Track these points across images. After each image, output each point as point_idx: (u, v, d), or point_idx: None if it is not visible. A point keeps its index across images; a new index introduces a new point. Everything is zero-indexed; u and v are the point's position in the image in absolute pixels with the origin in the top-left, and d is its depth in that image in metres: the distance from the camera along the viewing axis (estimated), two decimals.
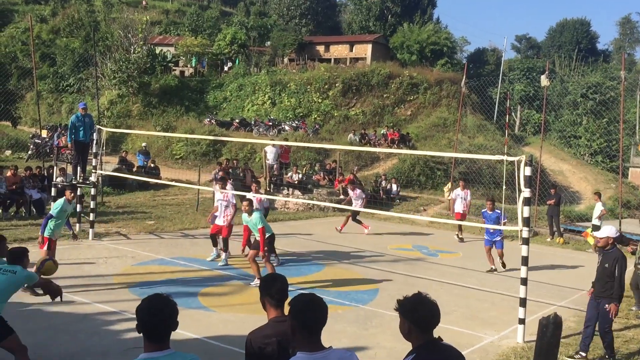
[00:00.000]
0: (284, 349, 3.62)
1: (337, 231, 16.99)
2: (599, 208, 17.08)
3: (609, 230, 7.78)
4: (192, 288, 9.91)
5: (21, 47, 45.23)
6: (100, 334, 7.58)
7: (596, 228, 16.77)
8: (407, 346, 3.39)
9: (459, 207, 17.03)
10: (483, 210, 13.67)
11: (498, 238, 12.96)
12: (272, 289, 3.82)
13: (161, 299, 3.20)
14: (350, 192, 17.69)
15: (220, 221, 12.31)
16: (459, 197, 17.05)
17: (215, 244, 12.44)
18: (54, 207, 10.08)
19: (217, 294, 9.69)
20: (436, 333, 3.33)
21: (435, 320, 3.30)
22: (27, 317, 7.80)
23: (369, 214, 19.20)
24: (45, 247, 9.60)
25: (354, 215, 17.13)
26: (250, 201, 10.92)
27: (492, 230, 12.77)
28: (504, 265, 13.01)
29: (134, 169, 23.18)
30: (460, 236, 17.24)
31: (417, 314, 3.26)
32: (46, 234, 9.68)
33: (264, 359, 3.64)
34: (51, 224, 9.73)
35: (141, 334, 3.15)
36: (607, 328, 7.77)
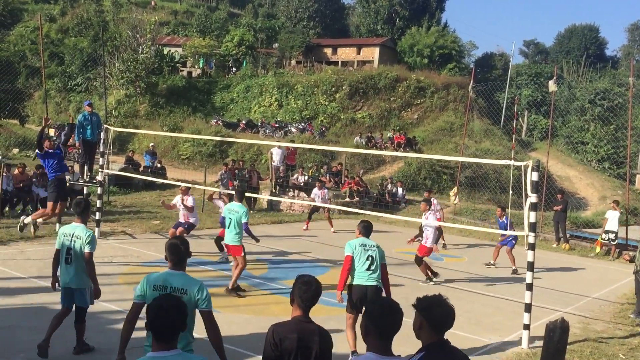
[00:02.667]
0: (301, 347, 3.72)
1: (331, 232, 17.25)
2: (615, 216, 16.81)
3: None
4: None
5: (30, 46, 45.53)
6: (106, 333, 7.59)
7: (615, 234, 16.70)
8: (414, 350, 3.39)
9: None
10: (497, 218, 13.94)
11: (513, 242, 13.33)
12: (307, 294, 3.89)
13: (171, 300, 3.28)
14: (317, 191, 18.09)
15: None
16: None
17: (221, 249, 12.43)
18: None
19: (222, 295, 9.68)
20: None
21: (448, 324, 3.34)
22: (33, 316, 7.83)
23: (375, 217, 19.18)
24: None
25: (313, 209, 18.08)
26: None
27: (501, 238, 12.87)
28: (515, 272, 13.03)
29: (141, 169, 23.24)
30: (442, 241, 16.36)
31: (432, 312, 3.31)
32: None
33: (281, 351, 3.73)
34: None
35: (149, 332, 3.23)
36: None
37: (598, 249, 17.25)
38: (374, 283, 6.97)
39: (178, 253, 4.68)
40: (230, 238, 9.77)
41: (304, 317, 3.87)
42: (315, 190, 18.27)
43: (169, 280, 4.60)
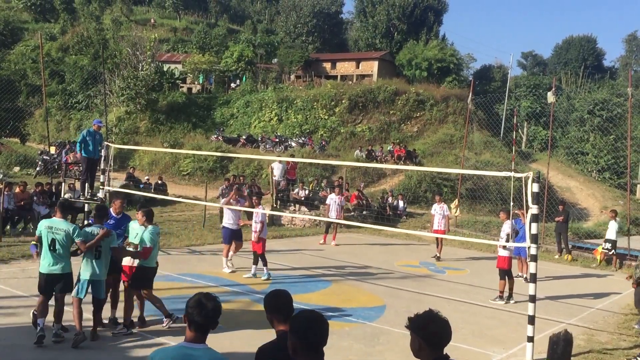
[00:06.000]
0: None
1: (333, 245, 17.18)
2: (613, 226, 16.85)
3: None
4: None
5: (31, 65, 45.75)
6: (108, 350, 7.57)
7: (612, 243, 16.71)
8: None
9: (436, 224, 16.07)
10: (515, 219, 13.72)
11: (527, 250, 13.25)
12: (278, 304, 3.81)
13: (209, 298, 3.60)
14: (334, 196, 17.95)
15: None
16: (437, 213, 16.05)
17: (256, 262, 12.45)
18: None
19: (224, 310, 9.64)
20: (445, 351, 3.31)
21: (447, 338, 3.27)
22: (34, 334, 7.79)
23: (377, 231, 19.17)
24: None
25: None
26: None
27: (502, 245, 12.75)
28: (526, 280, 12.96)
29: (141, 185, 23.26)
30: (438, 255, 16.22)
31: (428, 331, 3.23)
32: None
33: None
34: None
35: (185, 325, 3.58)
36: None
37: (598, 258, 17.23)
38: None
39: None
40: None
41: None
42: (333, 196, 17.96)
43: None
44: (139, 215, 8.54)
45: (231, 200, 12.84)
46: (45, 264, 7.55)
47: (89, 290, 7.70)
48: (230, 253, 12.90)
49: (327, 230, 18.06)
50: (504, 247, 11.64)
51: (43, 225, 7.67)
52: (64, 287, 7.65)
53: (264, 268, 12.25)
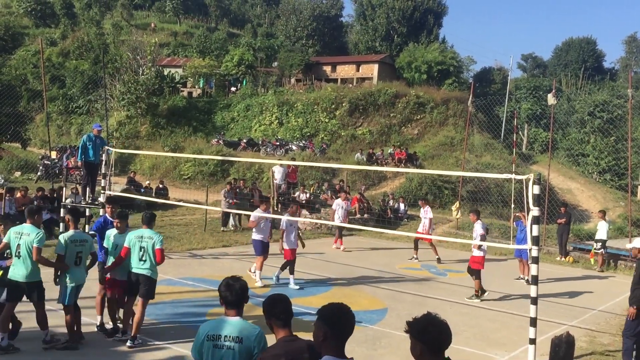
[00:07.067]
0: None
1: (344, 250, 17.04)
2: (603, 226, 16.93)
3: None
4: (199, 309, 9.88)
5: (31, 70, 45.84)
6: (109, 355, 7.56)
7: (602, 242, 16.72)
8: None
9: (420, 227, 16.50)
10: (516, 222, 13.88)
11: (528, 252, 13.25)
12: (277, 309, 3.85)
13: (235, 279, 4.34)
14: (341, 202, 17.90)
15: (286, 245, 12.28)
16: (422, 216, 16.47)
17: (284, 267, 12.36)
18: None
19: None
20: (446, 354, 3.30)
21: (447, 341, 3.25)
22: (35, 339, 7.79)
23: (378, 233, 19.16)
24: None
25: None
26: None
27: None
28: (528, 282, 12.97)
29: (142, 190, 23.27)
30: (415, 256, 16.42)
31: (429, 335, 3.20)
32: None
33: None
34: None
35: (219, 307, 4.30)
36: (627, 333, 7.79)
37: (592, 261, 17.24)
38: None
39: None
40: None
41: (288, 335, 3.80)
42: (339, 201, 18.00)
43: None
44: (115, 222, 8.36)
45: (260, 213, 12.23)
46: (13, 270, 7.46)
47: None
48: (255, 265, 12.45)
49: (341, 235, 17.97)
50: (479, 248, 11.81)
51: (12, 231, 7.59)
52: (37, 294, 7.57)
53: (290, 276, 12.18)
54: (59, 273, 7.76)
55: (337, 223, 17.01)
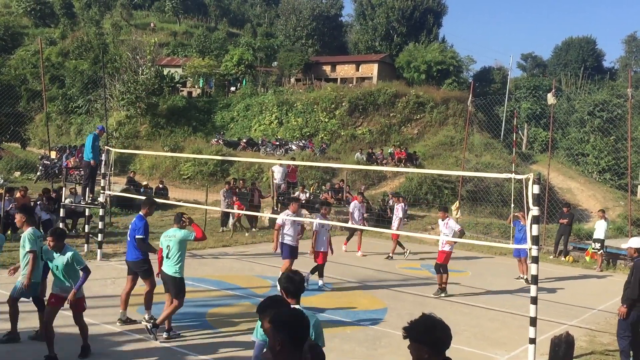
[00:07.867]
0: None
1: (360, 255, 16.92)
2: (602, 225, 16.92)
3: (635, 241, 8.17)
4: (199, 309, 9.87)
5: (31, 70, 45.85)
6: (110, 356, 7.55)
7: (600, 242, 16.72)
8: None
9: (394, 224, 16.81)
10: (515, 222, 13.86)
11: (527, 251, 13.32)
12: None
13: (295, 273, 4.93)
14: (357, 204, 17.67)
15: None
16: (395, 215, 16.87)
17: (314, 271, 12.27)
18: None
19: (225, 315, 9.64)
20: (446, 353, 3.30)
21: (448, 340, 3.25)
22: (35, 339, 7.79)
23: (377, 233, 19.15)
24: None
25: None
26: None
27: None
28: (527, 281, 12.97)
29: (141, 189, 23.26)
30: (391, 255, 16.52)
31: (434, 336, 3.18)
32: None
33: None
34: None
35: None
36: (620, 333, 7.76)
37: (588, 259, 17.22)
38: None
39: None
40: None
41: None
42: (356, 203, 17.50)
43: None
44: (49, 239, 7.30)
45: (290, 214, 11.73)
46: None
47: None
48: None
49: (352, 235, 17.73)
50: (450, 244, 12.07)
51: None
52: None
53: (319, 279, 12.12)
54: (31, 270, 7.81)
55: (356, 225, 16.55)
